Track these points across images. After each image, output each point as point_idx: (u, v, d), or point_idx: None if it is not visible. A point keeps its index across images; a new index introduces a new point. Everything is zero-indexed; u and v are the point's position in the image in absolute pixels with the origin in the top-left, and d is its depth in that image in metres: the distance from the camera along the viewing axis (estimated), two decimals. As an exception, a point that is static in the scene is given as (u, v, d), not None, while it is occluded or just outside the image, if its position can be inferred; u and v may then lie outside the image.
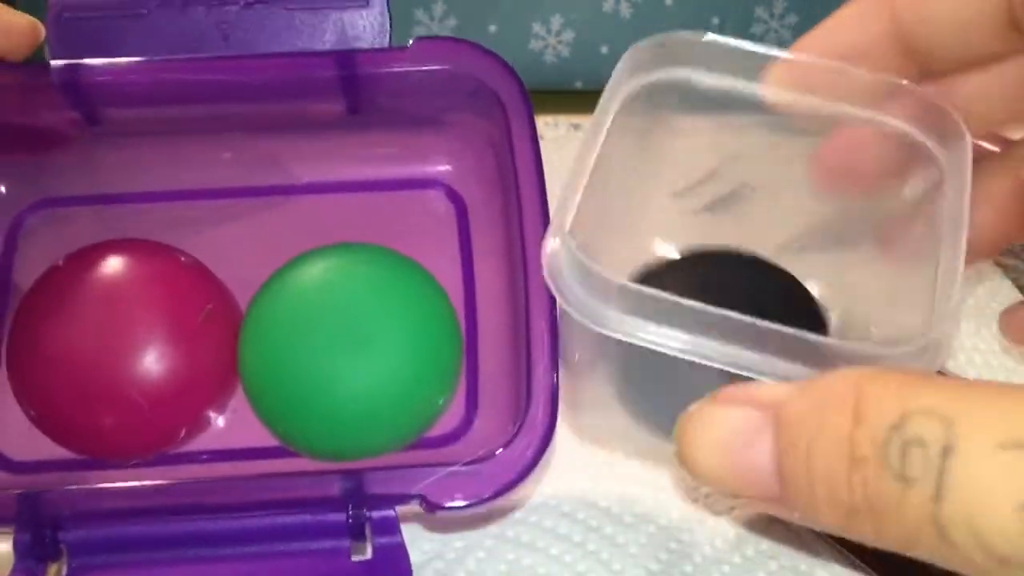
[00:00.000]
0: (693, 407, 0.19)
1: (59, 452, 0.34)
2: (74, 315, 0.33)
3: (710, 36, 0.28)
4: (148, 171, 0.37)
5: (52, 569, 0.30)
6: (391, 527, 0.31)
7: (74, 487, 0.31)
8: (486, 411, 0.36)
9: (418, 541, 0.36)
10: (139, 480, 0.31)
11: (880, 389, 0.16)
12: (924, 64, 0.24)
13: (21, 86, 0.33)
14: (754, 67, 0.27)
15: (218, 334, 0.35)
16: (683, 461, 0.19)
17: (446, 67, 0.33)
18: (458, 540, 0.37)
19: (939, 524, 0.15)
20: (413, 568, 0.32)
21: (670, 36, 0.28)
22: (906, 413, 0.15)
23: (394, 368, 0.33)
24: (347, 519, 0.31)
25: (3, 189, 0.37)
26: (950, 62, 0.24)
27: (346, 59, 0.33)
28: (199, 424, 0.35)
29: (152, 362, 0.33)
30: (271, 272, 0.35)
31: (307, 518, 0.31)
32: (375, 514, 0.31)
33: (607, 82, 0.28)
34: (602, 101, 0.28)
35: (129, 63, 0.33)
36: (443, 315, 0.35)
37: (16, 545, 0.30)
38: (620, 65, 0.28)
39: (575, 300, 0.25)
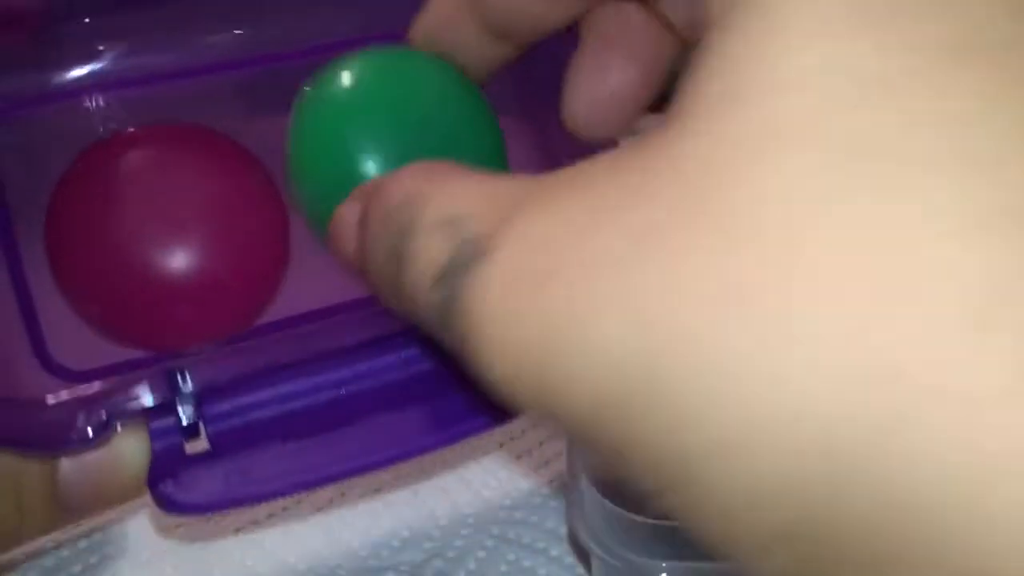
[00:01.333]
0: None
1: (117, 355, 0.32)
2: (133, 206, 0.31)
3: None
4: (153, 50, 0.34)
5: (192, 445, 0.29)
6: None
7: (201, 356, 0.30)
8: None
9: (418, 540, 0.36)
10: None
11: (398, 177, 0.18)
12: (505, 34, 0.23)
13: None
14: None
15: (278, 212, 0.33)
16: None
17: None
18: (458, 540, 0.36)
19: (403, 291, 0.17)
20: (413, 567, 0.32)
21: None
22: (404, 198, 0.17)
23: None
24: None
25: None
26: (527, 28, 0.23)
27: None
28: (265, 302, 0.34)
29: (228, 248, 0.32)
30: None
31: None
32: None
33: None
34: None
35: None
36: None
37: (154, 431, 0.28)
38: None
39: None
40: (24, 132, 0.33)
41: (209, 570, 0.37)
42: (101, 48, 0.33)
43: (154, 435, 0.28)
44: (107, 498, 0.29)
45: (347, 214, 0.20)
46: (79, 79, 0.33)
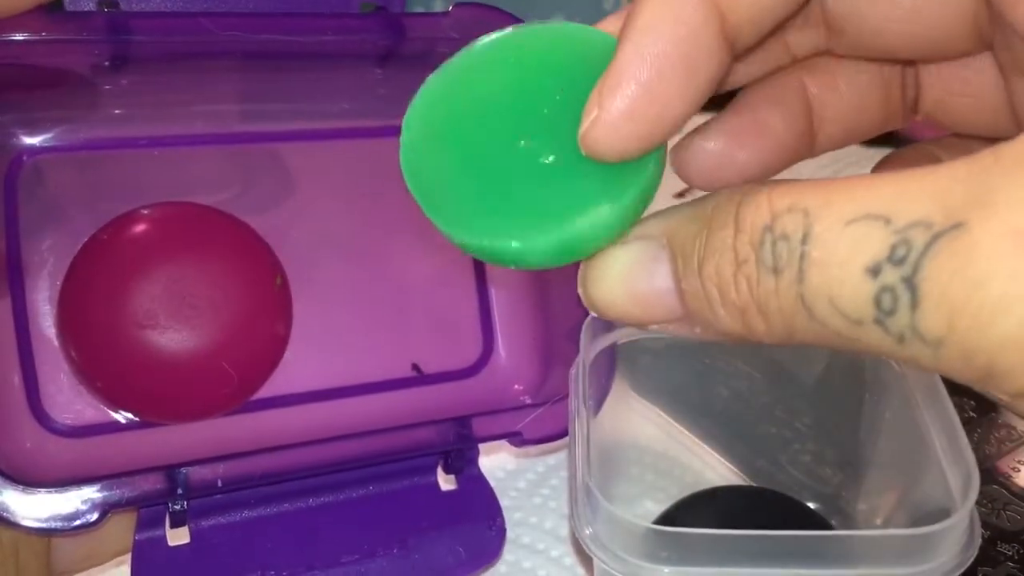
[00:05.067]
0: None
1: (104, 416, 0.34)
2: (148, 284, 0.33)
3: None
4: (165, 117, 0.36)
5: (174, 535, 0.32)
6: (474, 459, 0.36)
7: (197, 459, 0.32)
8: (504, 343, 0.39)
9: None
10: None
11: (753, 199, 0.18)
12: (740, 42, 0.21)
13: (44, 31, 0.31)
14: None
15: (282, 294, 0.35)
16: (590, 304, 0.20)
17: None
18: None
19: (806, 303, 0.17)
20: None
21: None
22: (775, 214, 0.17)
23: None
24: (447, 459, 0.35)
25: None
26: (762, 34, 0.22)
27: (391, 21, 0.33)
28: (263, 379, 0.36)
29: (237, 330, 0.34)
30: (300, 219, 0.35)
31: (403, 463, 0.35)
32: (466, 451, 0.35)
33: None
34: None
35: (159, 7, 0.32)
36: None
37: (142, 515, 0.31)
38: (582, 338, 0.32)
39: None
40: (47, 187, 0.34)
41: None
42: (136, 110, 0.35)
43: (141, 523, 0.31)
44: (94, 563, 0.32)
45: (639, 252, 0.20)
46: (108, 137, 0.34)
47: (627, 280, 0.20)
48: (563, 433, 0.36)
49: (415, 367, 0.38)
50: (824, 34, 0.24)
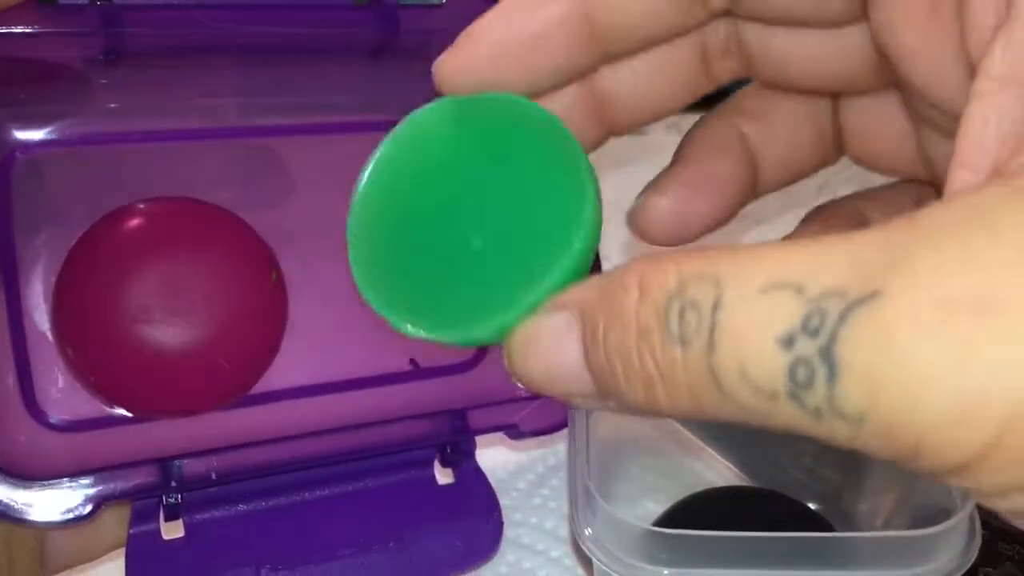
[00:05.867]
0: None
1: (99, 411, 0.34)
2: (143, 279, 0.32)
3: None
4: (159, 112, 0.35)
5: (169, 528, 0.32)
6: (471, 453, 0.36)
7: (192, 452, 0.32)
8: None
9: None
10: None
11: (659, 266, 0.17)
12: (607, 46, 0.23)
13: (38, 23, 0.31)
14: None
15: (278, 288, 0.35)
16: (514, 376, 0.20)
17: None
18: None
19: (715, 375, 0.16)
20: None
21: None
22: (682, 280, 0.16)
23: None
24: (444, 452, 0.35)
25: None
26: (634, 42, 0.23)
27: (385, 13, 0.33)
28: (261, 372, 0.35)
29: (232, 325, 0.33)
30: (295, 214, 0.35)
31: (400, 456, 0.35)
32: (462, 444, 0.36)
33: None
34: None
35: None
36: None
37: (136, 508, 0.31)
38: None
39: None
40: (41, 182, 0.33)
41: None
42: (131, 104, 0.34)
43: (136, 516, 0.31)
44: (88, 557, 0.32)
45: (551, 325, 0.19)
46: (104, 132, 0.34)
47: (543, 353, 0.19)
48: (560, 425, 0.36)
49: (412, 362, 0.37)
50: (744, 64, 0.25)
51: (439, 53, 0.22)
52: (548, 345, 0.19)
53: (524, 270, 0.20)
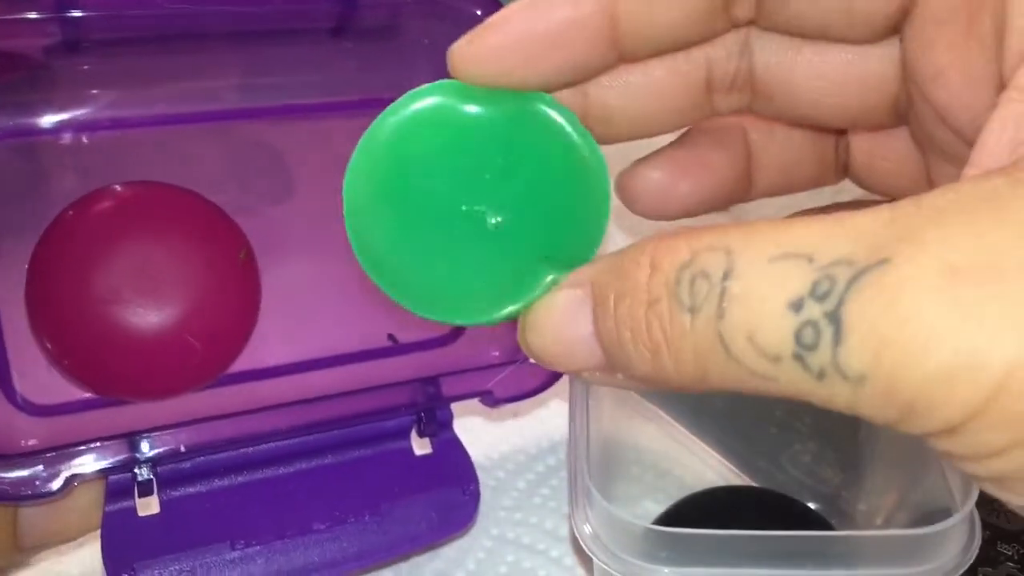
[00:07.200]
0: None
1: (78, 393, 0.34)
2: (109, 265, 0.32)
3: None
4: (123, 99, 0.35)
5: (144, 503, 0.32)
6: (447, 423, 0.35)
7: (165, 425, 0.32)
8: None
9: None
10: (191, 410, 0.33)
11: (670, 241, 0.18)
12: (626, 49, 0.23)
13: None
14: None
15: (248, 268, 0.35)
16: (527, 349, 0.21)
17: None
18: (458, 540, 0.36)
19: (724, 340, 0.16)
20: (412, 568, 0.33)
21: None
22: (694, 252, 0.17)
23: None
24: (418, 421, 0.34)
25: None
26: (653, 47, 0.23)
27: None
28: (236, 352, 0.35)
29: (201, 304, 0.33)
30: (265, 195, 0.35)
31: (375, 425, 0.34)
32: (438, 413, 0.35)
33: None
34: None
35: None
36: None
37: (110, 486, 0.31)
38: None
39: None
40: (10, 167, 0.33)
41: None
42: (94, 92, 0.34)
43: (110, 493, 0.31)
44: (63, 538, 0.32)
45: (564, 300, 0.20)
46: (69, 120, 0.34)
47: (556, 327, 0.20)
48: (537, 390, 0.36)
49: (391, 337, 0.37)
50: (750, 98, 0.25)
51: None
52: (560, 320, 0.20)
53: (541, 253, 0.21)
